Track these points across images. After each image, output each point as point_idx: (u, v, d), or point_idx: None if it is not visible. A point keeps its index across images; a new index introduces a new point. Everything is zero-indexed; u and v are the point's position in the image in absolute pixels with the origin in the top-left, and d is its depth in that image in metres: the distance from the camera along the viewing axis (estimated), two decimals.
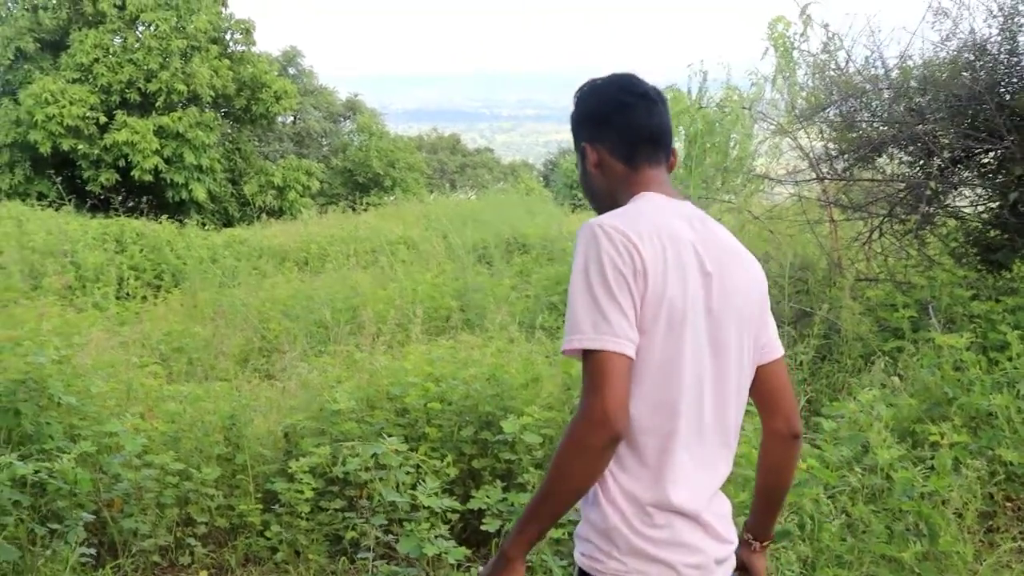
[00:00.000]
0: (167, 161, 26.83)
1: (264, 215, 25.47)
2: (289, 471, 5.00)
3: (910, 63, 7.99)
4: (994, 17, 7.47)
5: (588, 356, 2.00)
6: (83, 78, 26.68)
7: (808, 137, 8.82)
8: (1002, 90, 7.40)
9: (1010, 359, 5.57)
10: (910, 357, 6.15)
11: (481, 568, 4.07)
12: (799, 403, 5.31)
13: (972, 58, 7.47)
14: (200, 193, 27.10)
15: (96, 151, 26.35)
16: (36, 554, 4.23)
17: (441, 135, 53.29)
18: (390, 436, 5.03)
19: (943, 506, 4.31)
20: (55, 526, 4.48)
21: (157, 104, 27.04)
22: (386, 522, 4.73)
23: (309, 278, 12.03)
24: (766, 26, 10.31)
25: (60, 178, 24.59)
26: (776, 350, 2.33)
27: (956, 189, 8.10)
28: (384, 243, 14.48)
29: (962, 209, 8.18)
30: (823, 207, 8.65)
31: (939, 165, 7.59)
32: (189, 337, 8.56)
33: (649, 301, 2.05)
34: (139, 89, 26.95)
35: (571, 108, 2.41)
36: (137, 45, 27.18)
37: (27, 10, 27.26)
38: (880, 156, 8.21)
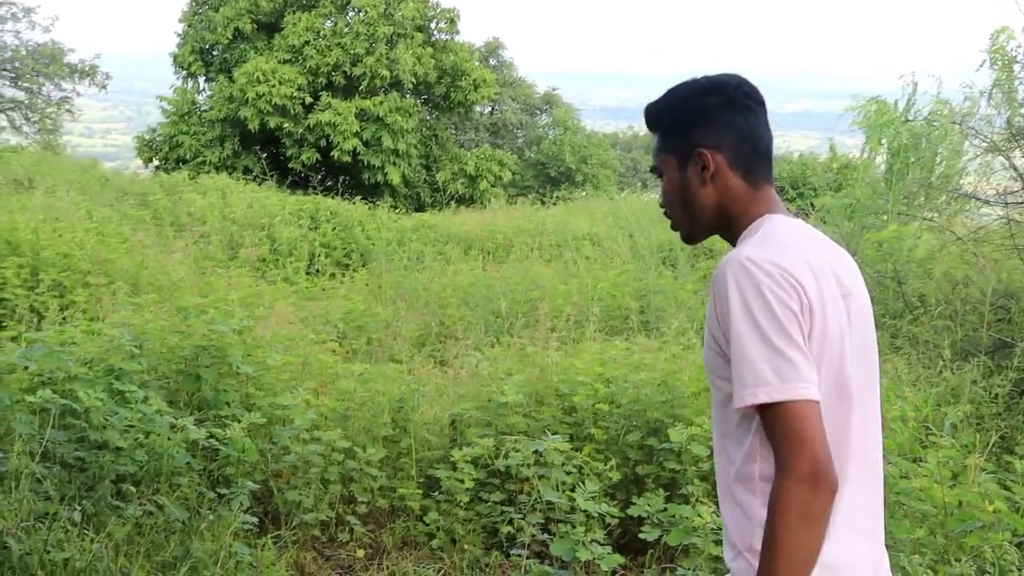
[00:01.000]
0: (366, 144, 27.54)
1: (454, 202, 25.89)
2: (452, 459, 5.01)
3: None
4: None
5: (776, 409, 1.78)
6: (293, 59, 27.66)
7: None
8: None
9: None
10: None
11: None
12: (993, 442, 4.97)
13: None
14: (395, 177, 27.71)
15: (300, 130, 27.30)
16: (203, 516, 4.34)
17: (637, 134, 52.95)
18: (555, 434, 4.97)
19: None
20: (223, 491, 4.60)
21: (360, 88, 27.78)
22: (543, 520, 4.67)
23: (492, 267, 12.08)
24: (987, 37, 9.75)
25: (265, 154, 25.65)
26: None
27: None
28: (569, 238, 14.42)
29: None
30: None
31: None
32: (370, 317, 8.71)
33: (816, 338, 1.86)
34: (344, 72, 27.75)
35: (665, 103, 2.18)
36: (346, 30, 27.99)
37: None
38: None
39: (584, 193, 32.26)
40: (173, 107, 28.87)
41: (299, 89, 27.14)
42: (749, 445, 1.91)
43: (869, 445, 1.98)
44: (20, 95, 28.83)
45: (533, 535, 4.62)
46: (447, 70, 29.53)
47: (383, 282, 11.56)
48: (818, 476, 1.74)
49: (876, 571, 1.97)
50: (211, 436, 4.60)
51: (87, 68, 29.03)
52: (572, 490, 4.64)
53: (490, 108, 37.92)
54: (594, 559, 4.22)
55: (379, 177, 27.73)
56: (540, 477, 4.71)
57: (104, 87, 29.22)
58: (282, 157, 27.90)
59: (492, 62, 38.10)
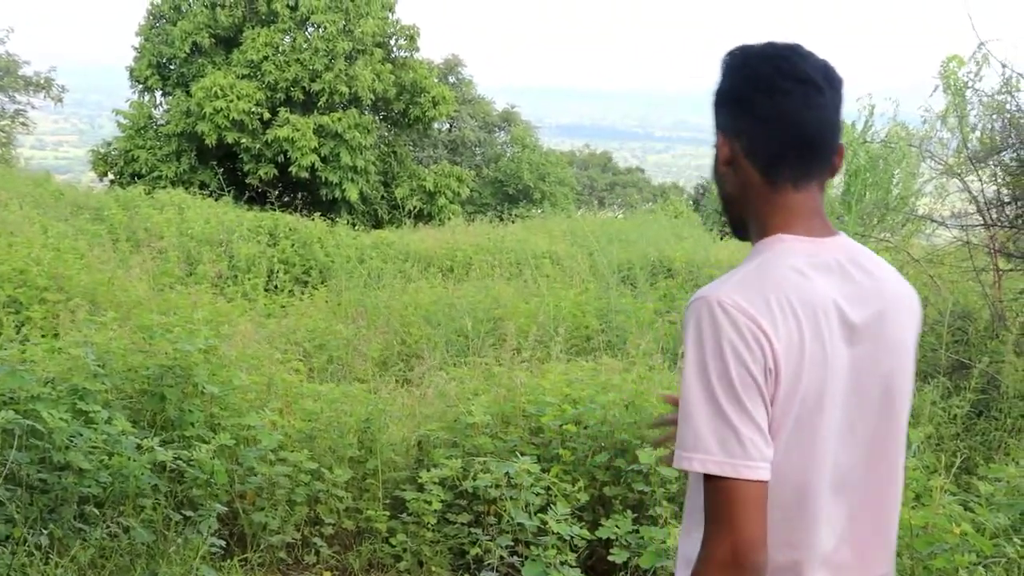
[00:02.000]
0: (324, 160, 27.46)
1: (412, 219, 25.84)
2: (419, 480, 4.99)
3: None
4: None
5: (714, 482, 1.60)
6: (252, 74, 27.55)
7: (980, 180, 8.43)
8: None
9: None
10: None
11: None
12: (954, 463, 5.03)
13: None
14: (353, 193, 27.64)
15: (258, 145, 27.17)
16: (169, 540, 4.29)
17: (593, 152, 53.37)
18: (523, 455, 4.96)
19: None
20: (189, 513, 4.54)
21: (319, 104, 27.72)
22: (512, 542, 4.66)
23: (452, 285, 12.07)
24: (939, 64, 9.93)
25: (222, 169, 25.47)
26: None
27: None
28: (529, 256, 14.45)
29: None
30: (989, 254, 8.25)
31: None
32: (331, 335, 8.66)
33: (779, 401, 1.63)
34: (303, 88, 27.68)
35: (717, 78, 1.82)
36: (305, 45, 27.92)
37: (205, 7, 28.29)
38: None
39: (542, 211, 32.34)
40: (129, 121, 28.60)
41: (257, 104, 27.02)
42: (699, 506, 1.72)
43: (865, 509, 1.77)
44: None
45: (502, 557, 4.61)
46: (406, 87, 29.53)
47: (343, 299, 11.50)
48: (736, 564, 1.57)
49: None
50: (178, 458, 4.55)
51: (42, 81, 28.73)
52: (539, 512, 4.64)
53: (448, 125, 37.96)
54: None
55: (337, 193, 27.66)
56: (510, 499, 4.71)
57: (60, 100, 28.94)
58: (239, 172, 27.75)
59: (451, 79, 38.18)
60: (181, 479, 4.75)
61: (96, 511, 4.31)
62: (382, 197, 29.88)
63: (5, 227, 10.97)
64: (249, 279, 12.24)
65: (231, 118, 26.47)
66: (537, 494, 4.75)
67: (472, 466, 5.00)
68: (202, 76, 27.50)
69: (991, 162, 8.30)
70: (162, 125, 28.47)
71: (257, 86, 27.25)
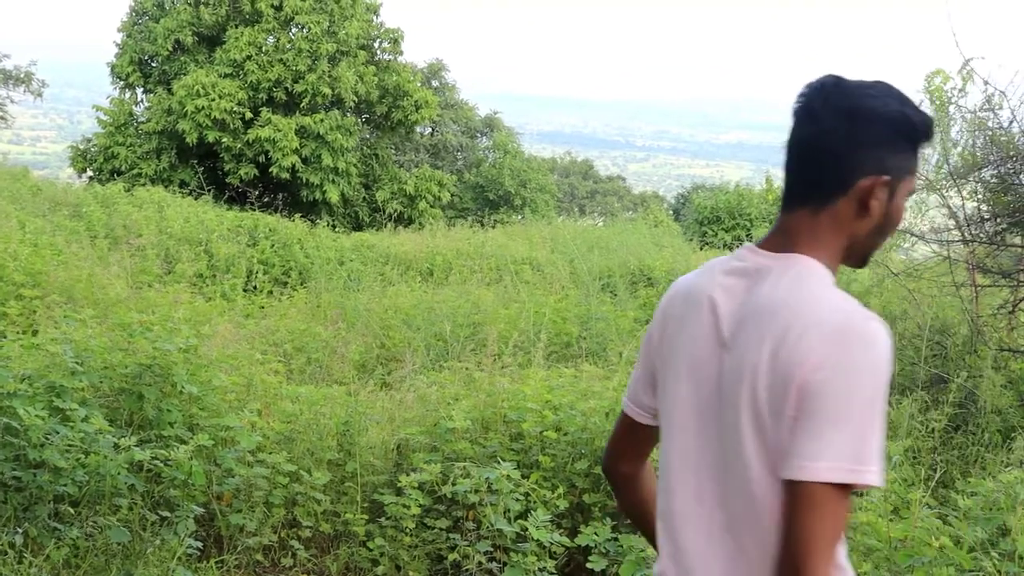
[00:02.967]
0: (305, 161, 27.36)
1: (393, 222, 25.79)
2: (398, 484, 4.97)
3: None
4: None
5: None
6: (234, 74, 27.42)
7: (961, 196, 8.47)
8: None
9: None
10: None
11: None
12: (932, 476, 5.05)
13: None
14: (333, 195, 27.55)
15: (239, 145, 27.03)
16: (146, 540, 4.25)
17: (574, 159, 53.47)
18: (503, 460, 4.95)
19: None
20: (166, 514, 4.50)
21: (301, 105, 27.62)
22: (491, 548, 4.64)
23: (432, 289, 12.05)
24: (923, 79, 9.96)
25: (202, 168, 25.34)
26: (787, 468, 1.69)
27: None
28: (509, 262, 14.45)
29: None
30: (968, 270, 8.30)
31: None
32: (310, 337, 8.63)
33: (644, 355, 2.06)
34: (286, 89, 27.57)
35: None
36: (289, 46, 27.81)
37: (189, 4, 28.15)
38: None
39: (522, 217, 32.37)
40: (109, 117, 28.40)
41: (239, 104, 26.90)
42: None
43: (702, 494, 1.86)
44: None
45: (480, 563, 4.59)
46: (389, 90, 29.46)
47: (322, 301, 11.46)
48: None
49: None
50: (155, 457, 4.51)
51: (22, 75, 28.53)
52: (518, 518, 4.62)
53: (430, 129, 37.93)
54: None
55: (318, 195, 27.55)
56: (489, 504, 4.69)
57: (40, 95, 28.73)
58: (220, 172, 27.60)
59: (434, 83, 38.13)
60: (158, 479, 4.71)
61: (71, 510, 4.27)
62: (363, 199, 29.79)
63: None
64: (228, 279, 12.19)
65: (212, 117, 26.32)
66: (516, 500, 4.74)
67: (452, 471, 4.99)
68: (184, 74, 27.33)
69: (971, 178, 8.34)
70: (143, 122, 28.27)
71: (239, 85, 27.13)
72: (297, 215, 18.39)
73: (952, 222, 8.74)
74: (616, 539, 4.46)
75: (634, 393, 2.00)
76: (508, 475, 4.71)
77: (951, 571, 3.87)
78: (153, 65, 29.04)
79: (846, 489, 1.65)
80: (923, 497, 4.22)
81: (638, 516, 2.19)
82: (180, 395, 5.18)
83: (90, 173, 28.13)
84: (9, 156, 40.18)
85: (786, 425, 1.68)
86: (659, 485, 1.94)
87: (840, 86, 1.81)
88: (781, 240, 1.84)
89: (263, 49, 27.63)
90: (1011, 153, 7.70)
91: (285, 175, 26.90)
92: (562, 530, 4.77)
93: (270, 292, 12.36)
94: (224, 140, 26.77)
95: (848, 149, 1.79)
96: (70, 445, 4.40)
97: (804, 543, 1.65)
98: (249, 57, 27.29)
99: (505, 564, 4.39)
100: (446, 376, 6.56)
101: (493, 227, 22.47)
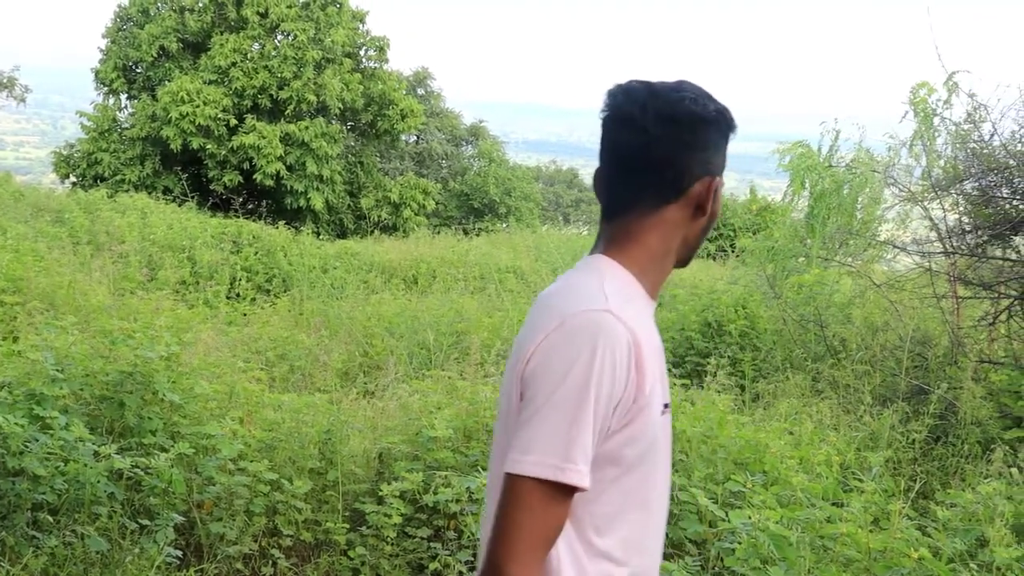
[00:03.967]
0: (289, 168, 27.31)
1: (378, 230, 25.76)
2: (379, 493, 4.96)
3: None
4: None
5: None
6: (219, 80, 27.36)
7: (943, 208, 8.52)
8: None
9: None
10: None
11: None
12: (912, 487, 5.07)
13: None
14: (318, 202, 27.50)
15: (223, 152, 26.97)
16: (125, 549, 4.23)
17: (559, 168, 53.47)
18: (485, 470, 4.94)
19: None
20: (146, 523, 4.48)
21: (286, 112, 27.58)
22: (472, 558, 4.64)
23: (416, 298, 12.04)
24: (908, 91, 10.01)
25: (186, 175, 25.25)
26: (505, 461, 1.66)
27: None
28: (493, 270, 14.45)
29: None
30: (949, 281, 8.35)
31: None
32: (293, 345, 8.61)
33: None
34: (271, 96, 27.53)
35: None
36: (274, 53, 27.78)
37: (174, 11, 28.10)
38: (1017, 235, 7.89)
39: (507, 226, 32.36)
40: (93, 123, 28.29)
41: (224, 110, 26.84)
42: None
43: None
44: None
45: (461, 572, 4.58)
46: (375, 98, 29.45)
47: (305, 309, 11.45)
48: None
49: None
50: (135, 466, 4.49)
51: (6, 80, 28.41)
52: None
53: (416, 137, 37.90)
54: None
55: (302, 202, 27.50)
56: (470, 514, 4.69)
57: (23, 100, 28.61)
58: (204, 179, 27.53)
59: (420, 92, 38.12)
60: (138, 487, 4.69)
61: (50, 518, 4.25)
62: (348, 207, 29.75)
63: None
64: (211, 286, 12.16)
65: (197, 123, 26.26)
66: None
67: (433, 480, 4.98)
68: (169, 80, 27.27)
69: (953, 191, 8.39)
70: (126, 128, 28.17)
71: (224, 92, 27.07)
72: (281, 222, 18.36)
73: (934, 234, 8.79)
74: None
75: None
76: None
77: None
78: (137, 71, 28.96)
79: (554, 488, 1.60)
80: (903, 508, 4.24)
81: None
82: (161, 403, 5.16)
83: (73, 179, 28.02)
84: None
85: (514, 419, 1.69)
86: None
87: (654, 92, 1.81)
88: (597, 247, 1.86)
89: (248, 56, 27.58)
90: (992, 166, 7.75)
91: (269, 182, 26.85)
92: None
93: (253, 299, 12.33)
94: (208, 147, 26.69)
95: (679, 155, 1.80)
96: (50, 453, 4.37)
97: (503, 541, 1.61)
98: (234, 64, 27.24)
99: None
100: (429, 385, 6.56)
101: (478, 235, 22.48)
